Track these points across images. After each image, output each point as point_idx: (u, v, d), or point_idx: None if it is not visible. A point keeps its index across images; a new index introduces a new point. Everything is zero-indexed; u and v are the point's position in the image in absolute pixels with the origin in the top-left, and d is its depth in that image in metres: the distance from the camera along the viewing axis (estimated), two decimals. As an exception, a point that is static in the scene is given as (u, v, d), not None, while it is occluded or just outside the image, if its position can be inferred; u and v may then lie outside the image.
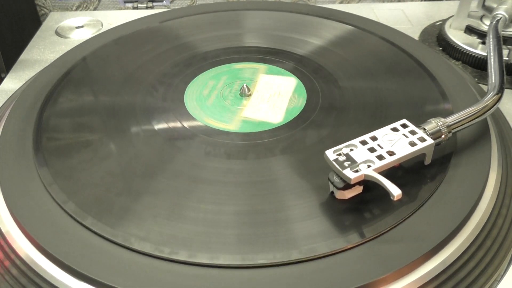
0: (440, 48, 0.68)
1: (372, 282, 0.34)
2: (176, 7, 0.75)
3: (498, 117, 0.53)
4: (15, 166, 0.44)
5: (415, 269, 0.36)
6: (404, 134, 0.41)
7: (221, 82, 0.56)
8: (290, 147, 0.46)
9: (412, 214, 0.39)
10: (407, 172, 0.42)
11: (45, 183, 0.42)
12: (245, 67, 0.58)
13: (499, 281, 0.38)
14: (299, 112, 0.51)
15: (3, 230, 0.41)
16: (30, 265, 0.38)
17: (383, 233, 0.37)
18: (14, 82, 0.64)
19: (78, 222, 0.39)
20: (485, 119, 0.48)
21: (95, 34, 0.73)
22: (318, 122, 0.49)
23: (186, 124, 0.50)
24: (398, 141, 0.40)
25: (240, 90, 0.54)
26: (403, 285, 0.35)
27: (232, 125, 0.50)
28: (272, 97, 0.53)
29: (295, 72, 0.57)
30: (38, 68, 0.66)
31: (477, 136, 0.46)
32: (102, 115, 0.51)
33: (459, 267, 0.37)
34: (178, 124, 0.50)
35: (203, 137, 0.48)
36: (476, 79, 0.61)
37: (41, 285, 0.37)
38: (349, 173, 0.37)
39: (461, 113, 0.44)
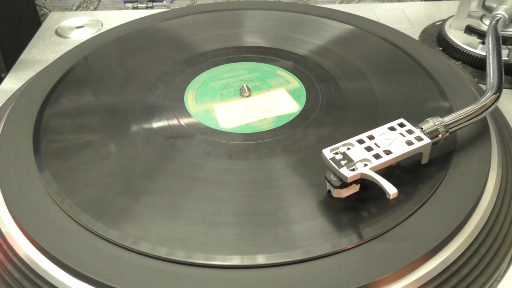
0: (440, 48, 0.68)
1: (372, 282, 0.34)
2: (176, 7, 0.75)
3: (498, 117, 0.53)
4: (15, 166, 0.44)
5: (415, 269, 0.36)
6: (401, 133, 0.41)
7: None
8: (291, 147, 0.46)
9: (412, 214, 0.39)
10: (407, 171, 0.42)
11: (45, 184, 0.42)
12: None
13: (499, 281, 0.38)
14: (299, 111, 0.51)
15: (3, 230, 0.41)
16: (30, 265, 0.38)
17: (383, 233, 0.37)
18: (14, 82, 0.64)
19: (78, 222, 0.39)
20: (485, 119, 0.48)
21: (95, 34, 0.73)
22: (318, 121, 0.49)
23: (187, 124, 0.50)
24: (395, 140, 0.41)
25: (240, 90, 0.54)
26: (403, 285, 0.35)
27: (195, 108, 0.51)
28: (255, 109, 0.53)
29: (295, 72, 0.57)
30: (38, 68, 0.66)
31: (477, 136, 0.46)
32: (102, 115, 0.51)
33: (459, 267, 0.37)
34: (178, 124, 0.50)
35: (203, 137, 0.48)
36: (476, 79, 0.61)
37: (41, 285, 0.37)
38: (345, 171, 0.38)
39: (459, 112, 0.44)
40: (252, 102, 0.53)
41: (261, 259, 0.36)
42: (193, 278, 0.35)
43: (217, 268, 0.35)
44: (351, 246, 0.36)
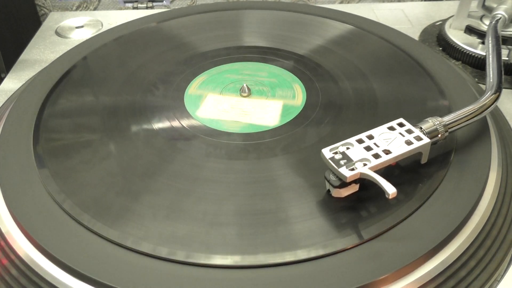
0: (440, 48, 0.68)
1: (372, 282, 0.34)
2: (176, 7, 0.75)
3: (498, 117, 0.53)
4: (15, 166, 0.45)
5: (415, 269, 0.36)
6: (400, 133, 0.41)
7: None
8: (290, 147, 0.46)
9: (412, 214, 0.39)
10: (407, 171, 0.42)
11: (45, 183, 0.42)
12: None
13: (499, 281, 0.38)
14: (299, 111, 0.51)
15: (3, 230, 0.41)
16: (30, 265, 0.38)
17: (383, 233, 0.37)
18: (14, 82, 0.64)
19: (78, 222, 0.39)
20: (485, 119, 0.48)
21: (95, 34, 0.73)
22: (318, 121, 0.49)
23: (187, 124, 0.50)
24: (394, 140, 0.41)
25: (240, 90, 0.54)
26: (403, 285, 0.35)
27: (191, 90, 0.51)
28: (237, 110, 0.52)
29: (295, 71, 0.57)
30: (38, 68, 0.66)
31: (477, 136, 0.46)
32: (102, 115, 0.51)
33: (459, 267, 0.37)
34: (178, 124, 0.50)
35: (203, 137, 0.48)
36: (476, 79, 0.61)
37: (41, 285, 0.37)
38: (345, 171, 0.38)
39: (458, 112, 0.44)
40: (240, 103, 0.53)
41: (261, 259, 0.36)
42: (194, 278, 0.35)
43: (218, 268, 0.35)
44: (350, 246, 0.36)
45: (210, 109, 0.51)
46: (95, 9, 1.18)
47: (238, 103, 0.53)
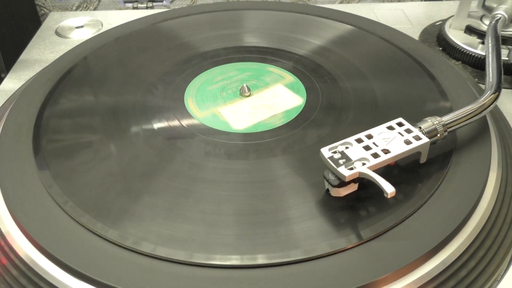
0: (440, 48, 0.68)
1: (372, 282, 0.34)
2: (176, 7, 0.75)
3: (498, 117, 0.53)
4: (15, 166, 0.45)
5: (415, 269, 0.36)
6: (399, 133, 0.41)
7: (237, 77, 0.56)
8: (290, 147, 0.46)
9: (412, 214, 0.39)
10: (407, 171, 0.42)
11: (45, 183, 0.42)
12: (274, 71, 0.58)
13: (499, 281, 0.38)
14: (299, 111, 0.51)
15: (3, 230, 0.41)
16: (30, 265, 0.38)
17: (383, 233, 0.37)
18: (14, 82, 0.64)
19: (78, 222, 0.39)
20: (485, 119, 0.48)
21: (95, 34, 0.73)
22: (318, 121, 0.49)
23: (186, 124, 0.50)
24: (393, 139, 0.41)
25: (240, 89, 0.54)
26: (403, 285, 0.35)
27: (201, 114, 0.51)
28: (260, 107, 0.52)
29: (295, 71, 0.57)
30: (38, 68, 0.66)
31: (477, 136, 0.46)
32: (102, 115, 0.51)
33: (459, 267, 0.37)
34: (178, 124, 0.50)
35: (203, 137, 0.48)
36: (476, 79, 0.61)
37: (41, 285, 0.37)
38: (343, 170, 0.38)
39: (458, 112, 0.44)
40: (255, 101, 0.53)
41: (260, 259, 0.36)
42: (193, 278, 0.35)
43: (217, 268, 0.35)
44: (350, 246, 0.36)
45: (239, 119, 0.51)
46: (95, 9, 1.18)
47: (253, 103, 0.53)
